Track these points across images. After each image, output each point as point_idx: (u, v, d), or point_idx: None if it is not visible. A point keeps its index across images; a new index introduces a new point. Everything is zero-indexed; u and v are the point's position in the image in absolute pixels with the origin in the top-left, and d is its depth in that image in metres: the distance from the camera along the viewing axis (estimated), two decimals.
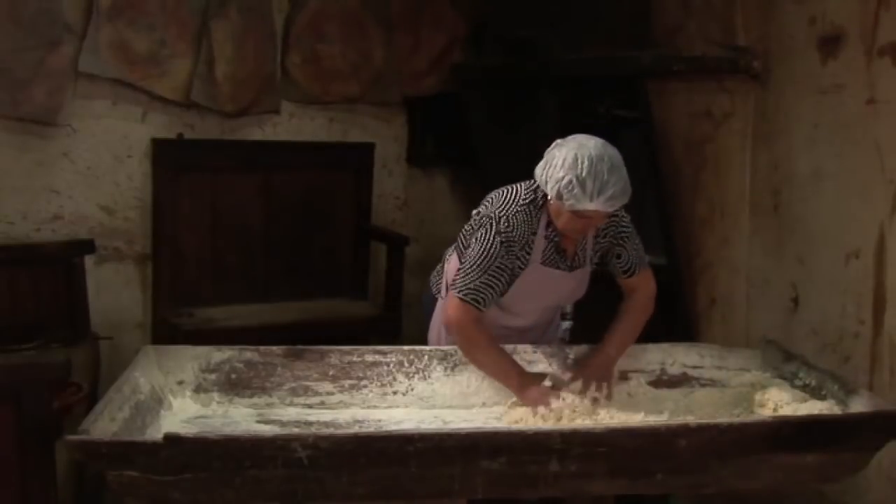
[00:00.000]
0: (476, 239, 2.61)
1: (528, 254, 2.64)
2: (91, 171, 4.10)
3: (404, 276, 4.44)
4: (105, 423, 2.16)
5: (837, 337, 3.02)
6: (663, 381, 2.83)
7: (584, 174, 2.46)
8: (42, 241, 3.99)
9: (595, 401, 2.61)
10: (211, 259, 4.30)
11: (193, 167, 4.24)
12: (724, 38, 3.35)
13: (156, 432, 2.31)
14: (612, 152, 2.53)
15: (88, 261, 3.99)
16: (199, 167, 4.25)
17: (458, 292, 2.59)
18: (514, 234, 2.59)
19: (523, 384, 2.60)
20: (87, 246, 3.98)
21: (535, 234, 2.63)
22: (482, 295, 2.58)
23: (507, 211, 2.61)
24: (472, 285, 2.58)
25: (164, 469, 2.03)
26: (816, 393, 2.59)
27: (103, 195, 4.14)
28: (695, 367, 2.85)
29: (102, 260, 4.14)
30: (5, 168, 3.94)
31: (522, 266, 2.64)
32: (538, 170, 2.57)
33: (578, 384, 2.63)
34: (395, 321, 4.37)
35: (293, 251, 4.44)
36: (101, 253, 4.10)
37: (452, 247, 2.90)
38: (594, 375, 2.65)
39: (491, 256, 2.58)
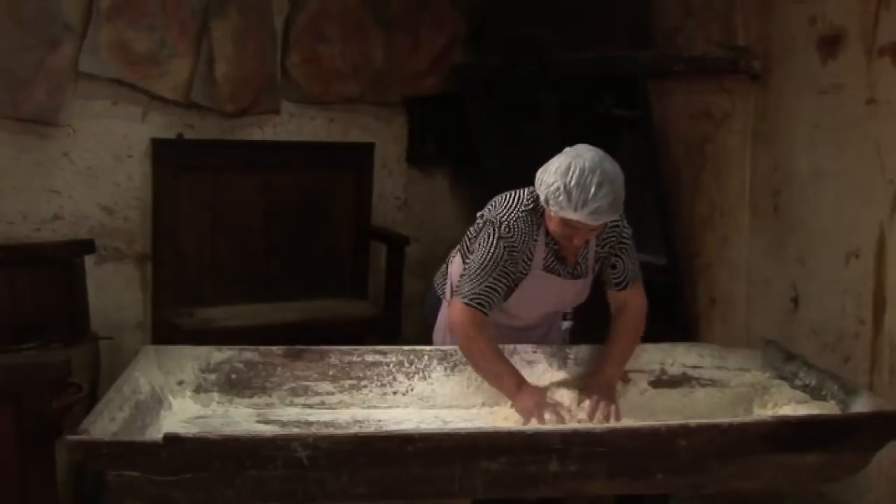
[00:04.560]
0: (479, 244, 2.62)
1: (530, 259, 2.64)
2: (91, 171, 4.10)
3: (404, 276, 4.44)
4: (105, 423, 2.16)
5: (837, 337, 3.02)
6: (663, 381, 2.83)
7: (571, 183, 2.46)
8: (42, 241, 3.98)
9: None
10: (211, 259, 4.30)
11: (193, 167, 4.24)
12: (724, 38, 3.36)
13: (156, 432, 2.31)
14: (609, 166, 2.50)
15: (88, 261, 3.99)
16: (199, 167, 4.25)
17: (462, 297, 2.60)
18: (515, 240, 2.59)
19: (519, 391, 2.57)
20: (87, 246, 3.98)
21: (535, 240, 2.63)
22: (486, 299, 2.59)
23: (508, 217, 2.61)
24: (476, 290, 2.58)
25: (164, 469, 2.03)
26: (816, 393, 2.59)
27: (103, 195, 4.14)
28: (695, 367, 2.85)
29: (102, 260, 4.14)
30: (5, 168, 3.94)
31: (524, 272, 2.65)
32: (538, 172, 2.58)
33: (583, 407, 2.58)
34: (395, 321, 4.37)
35: (293, 251, 4.44)
36: (101, 253, 4.10)
37: (456, 248, 2.90)
38: (598, 399, 2.59)
39: (494, 261, 2.58)
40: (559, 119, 4.28)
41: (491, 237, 2.60)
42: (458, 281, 2.67)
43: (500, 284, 2.60)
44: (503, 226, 2.60)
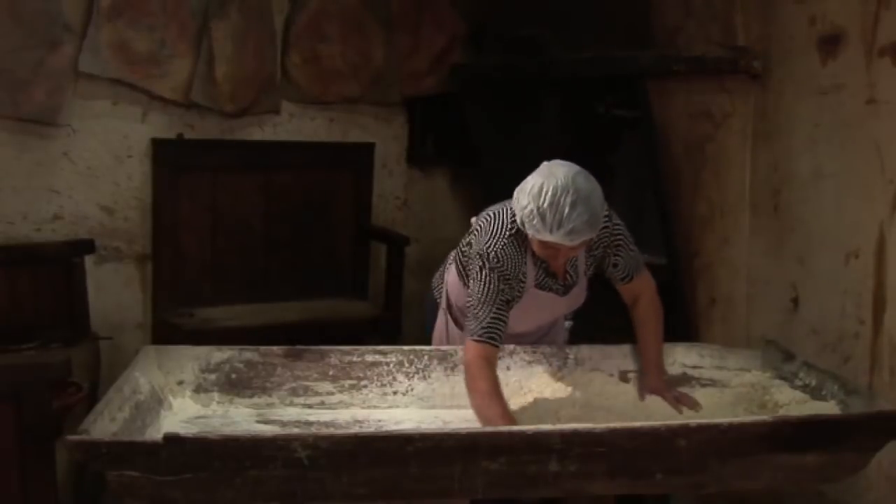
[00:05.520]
0: (473, 279, 2.60)
1: (523, 282, 2.64)
2: (91, 171, 4.10)
3: (404, 276, 4.44)
4: (105, 423, 2.16)
5: (837, 337, 3.02)
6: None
7: (544, 206, 2.43)
8: (42, 241, 3.99)
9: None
10: (211, 259, 4.30)
11: (193, 167, 4.24)
12: (724, 38, 3.35)
13: (156, 432, 2.31)
14: (582, 184, 2.46)
15: (88, 261, 3.99)
16: (199, 167, 4.25)
17: (472, 335, 2.56)
18: (505, 267, 2.58)
19: None
20: (87, 246, 3.98)
21: (524, 262, 2.62)
22: (495, 331, 2.56)
23: (494, 246, 2.58)
24: (483, 325, 2.55)
25: (164, 469, 2.03)
26: (816, 393, 2.59)
27: (103, 195, 4.14)
28: (695, 367, 2.85)
29: (102, 260, 4.14)
30: (5, 168, 3.94)
31: (519, 294, 2.64)
32: (515, 192, 2.56)
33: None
34: (395, 321, 4.37)
35: (293, 251, 4.45)
36: (101, 253, 4.11)
37: (452, 254, 2.89)
38: (669, 395, 2.69)
39: (492, 293, 2.56)
40: (559, 119, 4.28)
41: (483, 270, 2.57)
42: (465, 321, 2.64)
43: (504, 313, 2.58)
44: (491, 256, 2.57)
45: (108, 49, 3.96)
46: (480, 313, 2.56)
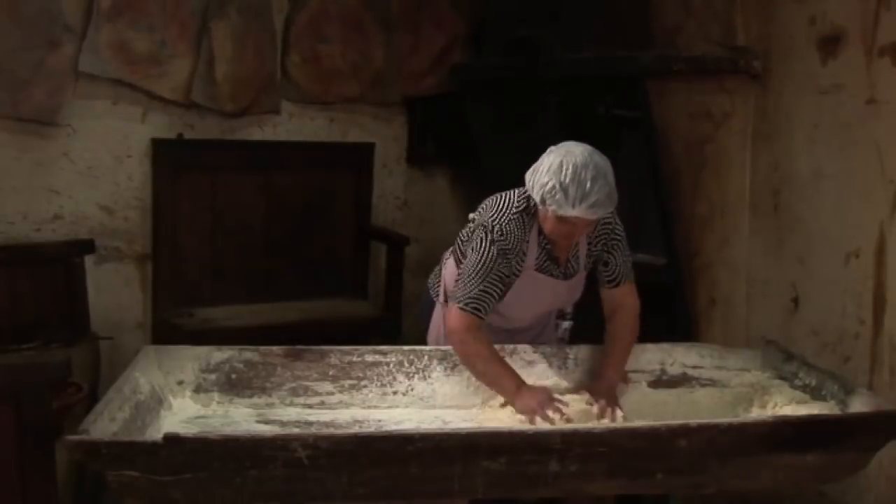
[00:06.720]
0: (472, 248, 2.62)
1: (522, 261, 2.64)
2: (91, 171, 4.10)
3: (404, 276, 4.45)
4: (105, 423, 2.16)
5: (837, 337, 3.02)
6: (663, 382, 2.83)
7: (567, 180, 2.47)
8: (42, 241, 3.98)
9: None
10: (211, 259, 4.29)
11: (193, 167, 4.24)
12: (724, 38, 3.36)
13: (156, 432, 2.31)
14: (599, 160, 2.52)
15: (88, 261, 3.99)
16: (199, 167, 4.25)
17: (458, 302, 2.59)
18: (507, 242, 2.59)
19: (519, 391, 2.55)
20: (87, 246, 3.98)
21: (527, 241, 2.63)
22: (482, 303, 2.58)
23: (500, 220, 2.61)
24: (471, 294, 2.58)
25: (164, 469, 2.04)
26: (816, 393, 2.59)
27: (103, 195, 4.14)
28: (695, 367, 2.85)
29: (102, 260, 4.14)
30: (5, 168, 3.94)
31: (517, 273, 2.65)
32: (527, 175, 2.58)
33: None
34: (395, 321, 4.37)
35: (293, 251, 4.44)
36: (101, 253, 4.10)
37: (449, 250, 2.90)
38: (605, 404, 2.58)
39: (488, 265, 2.58)
40: (559, 119, 4.28)
41: (483, 241, 2.60)
42: (454, 286, 2.66)
43: (496, 288, 2.60)
44: (496, 229, 2.59)
45: (108, 49, 3.96)
46: (472, 282, 2.58)
